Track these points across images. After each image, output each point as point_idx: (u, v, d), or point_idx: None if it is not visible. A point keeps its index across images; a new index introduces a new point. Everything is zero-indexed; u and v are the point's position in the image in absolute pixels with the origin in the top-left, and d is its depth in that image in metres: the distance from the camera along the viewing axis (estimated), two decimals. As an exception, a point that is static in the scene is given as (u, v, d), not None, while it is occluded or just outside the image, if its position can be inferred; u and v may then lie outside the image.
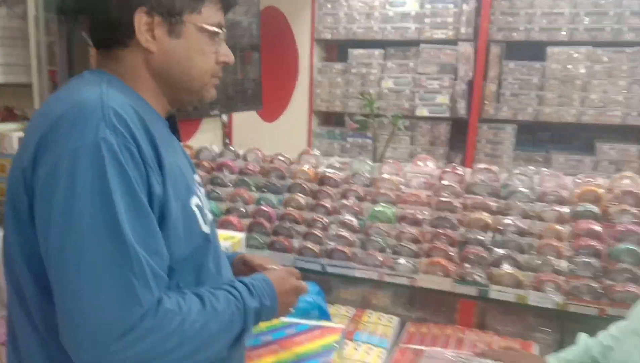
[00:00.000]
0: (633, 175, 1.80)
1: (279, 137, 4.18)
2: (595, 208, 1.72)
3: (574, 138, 3.92)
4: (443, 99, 3.82)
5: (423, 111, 3.89)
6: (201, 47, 0.96)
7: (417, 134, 4.02)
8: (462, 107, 3.79)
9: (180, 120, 2.39)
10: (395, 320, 1.75)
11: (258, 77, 2.96)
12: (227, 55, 1.02)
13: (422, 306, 1.88)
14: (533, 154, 3.86)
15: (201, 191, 1.02)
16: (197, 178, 1.04)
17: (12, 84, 2.51)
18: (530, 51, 3.65)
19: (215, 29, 0.97)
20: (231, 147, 2.34)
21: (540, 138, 4.03)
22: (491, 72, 3.68)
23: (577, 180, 1.83)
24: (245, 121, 4.32)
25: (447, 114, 3.85)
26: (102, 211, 0.77)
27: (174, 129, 1.03)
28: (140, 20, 0.89)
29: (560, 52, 3.51)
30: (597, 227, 1.67)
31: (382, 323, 1.72)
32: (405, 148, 4.07)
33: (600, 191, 1.76)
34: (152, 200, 0.84)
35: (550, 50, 3.54)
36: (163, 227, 0.86)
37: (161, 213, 0.86)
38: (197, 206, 0.95)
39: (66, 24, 2.32)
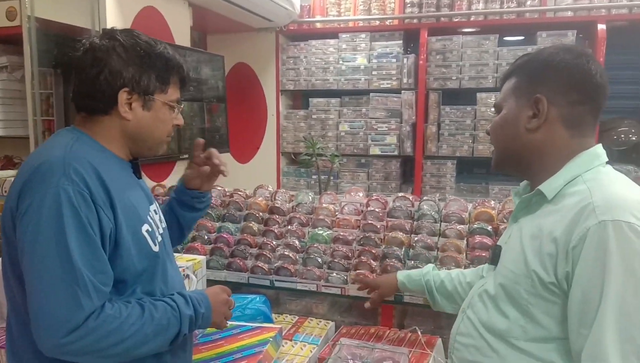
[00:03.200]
0: (519, 198, 2.10)
1: (252, 176, 4.45)
2: (488, 226, 2.01)
3: (506, 170, 4.24)
4: (391, 139, 4.15)
5: (375, 150, 4.21)
6: (164, 117, 1.22)
7: (372, 170, 4.33)
8: (408, 146, 4.12)
9: (157, 163, 2.78)
10: (331, 324, 1.98)
11: (225, 124, 3.26)
12: (179, 120, 1.28)
13: (353, 312, 2.12)
14: (473, 185, 4.18)
15: (155, 218, 1.25)
16: (152, 207, 1.27)
17: (12, 137, 2.77)
18: (463, 96, 4.02)
19: (175, 104, 1.24)
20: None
21: (477, 171, 4.38)
22: (431, 116, 4.03)
23: (475, 204, 2.14)
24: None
25: (396, 153, 4.17)
26: (57, 240, 1.01)
27: (135, 170, 1.26)
28: (122, 97, 1.13)
29: (487, 97, 3.86)
30: (489, 241, 1.96)
31: (319, 327, 1.95)
32: (363, 182, 4.36)
33: (492, 212, 2.05)
34: (103, 231, 1.06)
35: (479, 95, 3.89)
36: (117, 250, 1.09)
37: (115, 240, 1.09)
38: (147, 232, 1.17)
39: (62, 77, 2.56)
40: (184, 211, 1.50)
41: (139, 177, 1.28)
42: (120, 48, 1.14)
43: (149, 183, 2.73)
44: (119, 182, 1.14)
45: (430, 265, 1.62)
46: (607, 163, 1.04)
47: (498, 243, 1.17)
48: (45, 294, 1.01)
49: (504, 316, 1.03)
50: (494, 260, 1.12)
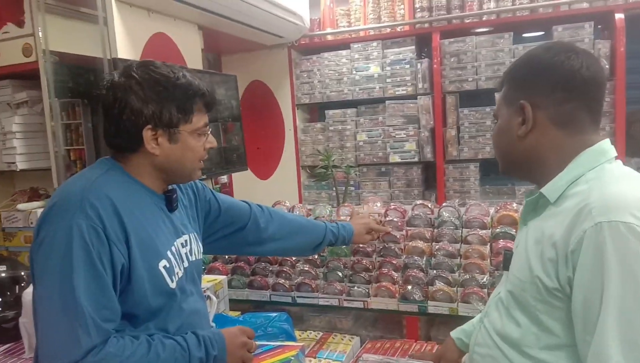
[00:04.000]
0: (543, 199, 2.04)
1: (273, 192, 4.47)
2: (511, 230, 1.95)
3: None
4: (411, 146, 4.10)
5: (395, 158, 4.17)
6: (193, 146, 1.20)
7: (394, 178, 4.28)
8: (428, 152, 4.07)
9: None
10: (356, 339, 1.95)
11: (242, 143, 3.28)
12: (211, 142, 1.28)
13: (378, 326, 2.08)
14: (499, 187, 4.09)
15: (181, 251, 1.25)
16: (179, 241, 1.26)
17: (35, 169, 2.85)
18: (481, 97, 3.95)
19: (203, 130, 1.23)
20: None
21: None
22: (449, 119, 3.97)
23: (497, 207, 2.08)
24: (243, 181, 4.63)
25: (416, 159, 4.12)
26: (63, 275, 1.02)
27: (168, 202, 1.25)
28: (147, 134, 1.14)
29: (506, 97, 3.80)
30: (513, 245, 1.90)
31: (343, 343, 1.92)
32: (385, 191, 4.33)
33: (515, 215, 1.99)
34: (115, 266, 1.07)
35: (497, 95, 3.83)
36: (129, 284, 1.10)
37: (128, 275, 1.10)
38: (165, 267, 1.17)
39: (89, 108, 2.61)
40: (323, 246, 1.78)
41: (171, 210, 1.27)
42: (137, 86, 1.13)
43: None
44: (140, 216, 1.14)
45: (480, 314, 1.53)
46: (616, 158, 0.99)
47: (512, 248, 1.13)
48: (48, 327, 1.03)
49: (516, 324, 1.00)
50: (506, 265, 1.09)
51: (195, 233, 1.36)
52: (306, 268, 2.09)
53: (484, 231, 1.97)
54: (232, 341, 1.24)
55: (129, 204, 1.13)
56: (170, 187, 1.27)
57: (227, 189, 4.59)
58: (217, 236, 1.57)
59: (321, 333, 2.02)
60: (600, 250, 0.84)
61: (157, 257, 1.16)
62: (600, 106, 1.01)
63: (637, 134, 3.70)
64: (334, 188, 3.56)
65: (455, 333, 1.48)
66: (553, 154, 1.00)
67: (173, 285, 1.19)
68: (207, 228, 1.52)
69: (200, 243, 1.39)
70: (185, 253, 1.28)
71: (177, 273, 1.21)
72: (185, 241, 1.29)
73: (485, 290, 1.79)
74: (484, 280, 1.82)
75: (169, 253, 1.20)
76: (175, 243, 1.24)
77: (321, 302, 2.02)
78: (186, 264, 1.27)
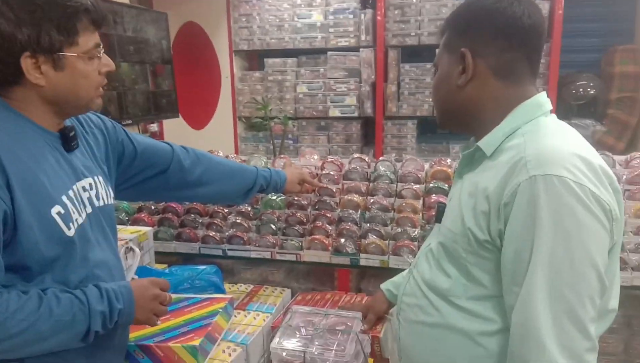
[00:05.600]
0: (476, 155, 2.09)
1: (208, 143, 4.32)
2: (444, 185, 1.99)
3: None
4: (351, 100, 4.08)
5: (335, 112, 4.15)
6: (85, 71, 1.07)
7: (333, 133, 4.27)
8: (368, 107, 4.07)
9: None
10: (287, 291, 1.95)
11: (172, 87, 3.11)
12: (107, 65, 1.12)
13: (311, 278, 2.10)
14: (434, 146, 4.19)
15: (82, 196, 1.13)
16: (80, 184, 1.14)
17: None
18: (423, 53, 3.97)
19: (93, 52, 1.08)
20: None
21: (439, 131, 4.38)
22: (390, 75, 3.97)
23: (432, 163, 2.11)
24: (176, 130, 4.44)
25: (356, 114, 4.11)
26: None
27: (65, 142, 1.12)
28: (27, 62, 1.00)
29: (447, 54, 3.83)
30: (445, 200, 1.94)
31: (274, 295, 1.91)
32: (324, 146, 4.31)
33: (449, 170, 2.03)
34: None
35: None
36: (16, 234, 0.98)
37: (13, 223, 0.98)
38: (59, 214, 1.05)
39: None
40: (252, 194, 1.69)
41: (69, 150, 1.14)
42: (5, 7, 0.98)
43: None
44: (26, 158, 1.02)
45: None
46: (551, 112, 1.01)
47: (446, 201, 1.14)
48: None
49: (446, 275, 1.01)
50: (439, 218, 1.10)
51: (102, 176, 1.24)
52: (238, 221, 2.04)
53: (418, 186, 2.00)
54: (141, 293, 1.16)
55: (11, 145, 1.00)
56: (68, 124, 1.15)
57: (158, 138, 4.39)
58: (136, 180, 1.45)
59: (252, 286, 2.00)
60: (534, 202, 0.84)
61: (48, 203, 1.04)
62: (539, 57, 1.01)
63: (568, 97, 3.88)
64: (271, 141, 3.49)
65: (384, 285, 1.50)
66: (491, 105, 0.99)
67: (71, 233, 1.07)
68: (123, 172, 1.40)
69: (110, 188, 1.28)
70: (88, 198, 1.16)
71: (77, 220, 1.09)
72: (90, 184, 1.17)
73: (416, 243, 1.83)
74: (415, 233, 1.86)
75: (64, 198, 1.08)
76: (73, 187, 1.12)
77: (253, 255, 1.99)
78: (89, 210, 1.15)
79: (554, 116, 1.00)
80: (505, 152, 0.94)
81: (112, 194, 1.28)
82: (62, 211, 1.06)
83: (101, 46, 1.11)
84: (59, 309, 1.01)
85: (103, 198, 1.22)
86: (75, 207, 1.10)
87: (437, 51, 1.12)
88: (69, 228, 1.07)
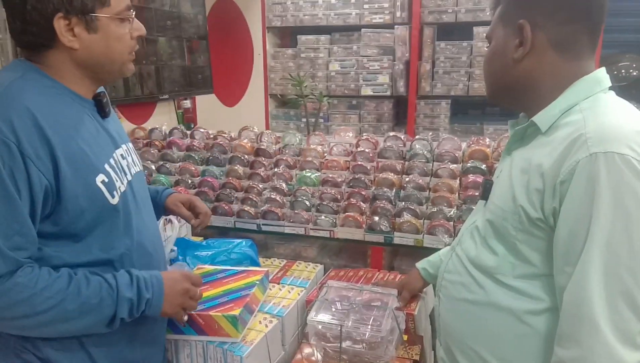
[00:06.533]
0: (515, 136, 2.05)
1: (240, 120, 4.35)
2: (482, 165, 1.97)
3: (502, 109, 4.18)
4: (384, 78, 4.03)
5: (367, 91, 4.11)
6: (117, 34, 1.06)
7: (364, 112, 4.24)
8: (401, 86, 4.01)
9: (135, 104, 2.59)
10: (320, 267, 1.98)
11: (207, 63, 3.13)
12: (139, 29, 1.12)
13: (343, 255, 2.11)
14: (468, 126, 4.12)
15: (122, 163, 1.14)
16: (119, 151, 1.15)
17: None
18: (459, 31, 3.87)
19: (126, 14, 1.07)
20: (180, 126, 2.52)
21: (472, 112, 4.30)
22: (425, 53, 3.90)
23: (469, 142, 2.09)
24: (208, 106, 4.47)
25: (388, 93, 4.07)
26: None
27: (100, 109, 1.14)
28: (60, 24, 0.99)
29: (484, 31, 3.71)
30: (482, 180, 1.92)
31: (307, 270, 1.94)
32: (355, 125, 4.29)
33: (487, 150, 2.01)
34: (32, 187, 0.95)
35: (476, 30, 3.76)
36: (61, 203, 0.99)
37: (58, 194, 0.98)
38: (103, 182, 1.05)
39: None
40: None
41: (104, 116, 1.16)
42: None
43: (128, 126, 2.65)
44: (68, 126, 1.02)
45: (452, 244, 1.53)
46: (610, 88, 0.98)
47: (492, 178, 1.12)
48: None
49: (493, 253, 1.00)
50: (485, 194, 1.08)
51: (130, 143, 1.25)
52: (273, 196, 2.07)
53: (455, 166, 1.98)
54: (171, 286, 1.15)
55: (53, 113, 0.99)
56: (99, 90, 1.15)
57: (191, 115, 4.44)
58: None
59: (285, 261, 2.04)
60: (593, 180, 0.82)
61: (93, 172, 1.04)
62: (600, 31, 0.97)
63: (610, 78, 3.75)
64: (304, 118, 3.48)
65: (420, 264, 1.51)
66: (549, 80, 0.96)
67: (115, 201, 1.08)
68: None
69: (136, 153, 1.28)
70: (127, 166, 1.17)
71: (119, 188, 1.10)
72: (126, 151, 1.19)
73: (452, 223, 1.83)
74: (451, 213, 1.85)
75: (106, 166, 1.08)
76: (114, 155, 1.12)
77: (287, 230, 2.02)
78: (129, 177, 1.16)
79: (612, 92, 0.97)
80: (562, 128, 0.92)
81: (141, 161, 1.30)
82: (106, 180, 1.07)
83: (132, 9, 1.11)
84: (87, 291, 1.01)
85: (137, 164, 1.24)
86: (117, 175, 1.11)
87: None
88: (113, 197, 1.08)
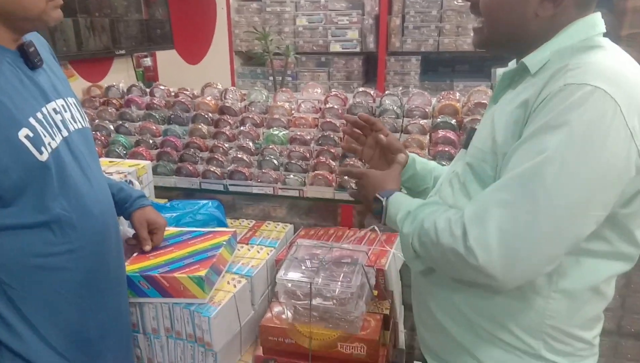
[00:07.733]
0: (485, 88, 2.04)
1: (204, 79, 4.19)
2: (452, 120, 1.95)
3: (472, 66, 4.18)
4: (353, 34, 3.95)
5: (336, 47, 4.02)
6: None
7: (333, 69, 4.16)
8: (371, 42, 3.94)
9: (89, 60, 2.45)
10: (290, 227, 1.96)
11: (167, 17, 2.98)
12: None
13: (313, 214, 2.10)
14: (438, 83, 4.10)
15: (55, 118, 1.07)
16: (51, 106, 1.07)
17: None
18: (429, -16, 3.80)
19: None
20: (140, 84, 2.41)
21: (442, 69, 4.28)
22: (395, 7, 3.82)
23: (439, 97, 2.06)
24: (170, 64, 4.30)
25: (358, 49, 4.00)
26: None
27: (27, 59, 1.05)
28: None
29: (455, -15, 3.68)
30: (452, 135, 1.91)
31: (277, 230, 1.92)
32: (323, 83, 4.22)
33: (457, 105, 1.99)
34: None
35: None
36: None
37: None
38: (27, 137, 0.99)
39: None
40: None
41: (33, 67, 1.07)
42: None
43: (83, 83, 2.51)
44: None
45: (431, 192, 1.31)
46: (604, 35, 0.94)
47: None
48: None
49: (469, 197, 0.98)
50: (467, 142, 1.05)
51: (73, 98, 1.18)
52: (239, 156, 2.01)
53: (425, 121, 1.96)
54: None
55: None
56: (25, 40, 1.06)
57: (152, 73, 4.27)
58: None
59: (254, 222, 2.01)
60: (561, 108, 0.80)
61: (14, 126, 0.97)
62: None
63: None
64: (273, 76, 3.39)
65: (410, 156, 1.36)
66: (557, 32, 0.92)
67: (43, 158, 1.01)
68: None
69: (82, 110, 1.20)
70: (62, 121, 1.09)
71: (49, 144, 1.03)
72: (63, 106, 1.11)
73: (422, 179, 1.81)
74: (421, 169, 1.83)
75: (32, 120, 1.01)
76: (42, 109, 1.05)
77: (255, 191, 1.98)
78: (65, 133, 1.08)
79: (607, 39, 0.94)
80: (550, 69, 0.89)
81: (86, 117, 1.22)
82: (31, 135, 0.99)
83: None
84: None
85: (79, 121, 1.16)
86: (45, 130, 1.03)
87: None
88: (41, 153, 1.00)
